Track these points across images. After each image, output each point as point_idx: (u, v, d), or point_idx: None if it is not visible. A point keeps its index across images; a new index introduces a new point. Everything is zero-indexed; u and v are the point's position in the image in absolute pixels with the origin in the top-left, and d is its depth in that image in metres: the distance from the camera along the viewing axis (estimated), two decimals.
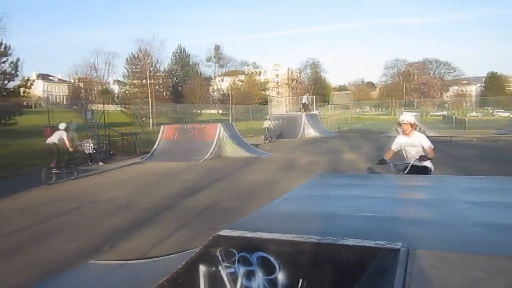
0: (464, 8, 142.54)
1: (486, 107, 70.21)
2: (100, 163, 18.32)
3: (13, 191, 12.07)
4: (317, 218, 3.16)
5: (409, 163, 6.52)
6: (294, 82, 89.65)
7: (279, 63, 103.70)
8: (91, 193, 11.83)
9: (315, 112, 40.19)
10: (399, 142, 6.82)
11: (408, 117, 6.79)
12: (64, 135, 13.71)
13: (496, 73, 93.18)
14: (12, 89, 31.26)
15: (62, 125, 14.23)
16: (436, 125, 41.30)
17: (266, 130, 30.00)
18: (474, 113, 63.82)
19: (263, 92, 74.99)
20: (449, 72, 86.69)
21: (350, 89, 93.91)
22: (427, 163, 6.41)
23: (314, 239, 2.50)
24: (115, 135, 24.04)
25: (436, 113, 64.76)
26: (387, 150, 7.05)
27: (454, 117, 49.87)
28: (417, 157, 6.44)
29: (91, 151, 18.61)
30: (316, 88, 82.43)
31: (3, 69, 29.82)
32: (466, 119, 41.59)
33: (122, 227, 7.99)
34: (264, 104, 55.85)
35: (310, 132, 32.81)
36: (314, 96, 44.63)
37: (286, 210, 3.58)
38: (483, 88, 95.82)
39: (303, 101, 37.87)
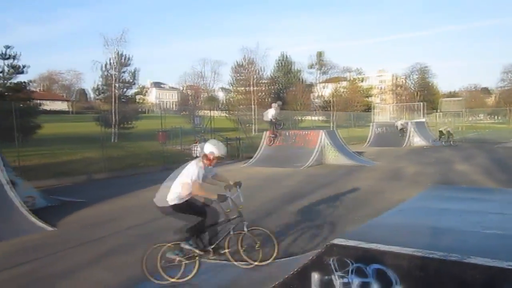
0: None
1: None
2: None
3: (132, 189, 13.16)
4: (436, 233, 2.97)
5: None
6: (399, 88, 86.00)
7: (383, 69, 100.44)
8: None
9: (422, 120, 38.13)
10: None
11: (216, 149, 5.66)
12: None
13: None
14: (130, 96, 34.22)
15: (274, 104, 19.67)
16: None
17: (401, 131, 31.04)
18: None
19: (366, 99, 73.04)
20: None
21: (462, 95, 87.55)
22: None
23: (436, 255, 2.35)
24: (220, 140, 25.04)
25: None
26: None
27: None
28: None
29: (198, 155, 19.58)
30: (423, 95, 78.21)
31: (123, 78, 32.68)
32: None
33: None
34: (367, 111, 54.33)
35: (417, 140, 31.16)
36: (422, 103, 42.35)
37: (401, 222, 3.42)
38: None
39: (399, 123, 33.33)
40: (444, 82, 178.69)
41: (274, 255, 5.54)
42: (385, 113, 43.21)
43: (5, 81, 25.18)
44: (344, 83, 73.56)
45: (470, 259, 2.27)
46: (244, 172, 17.67)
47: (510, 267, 2.16)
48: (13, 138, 15.58)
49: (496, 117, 72.74)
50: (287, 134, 21.05)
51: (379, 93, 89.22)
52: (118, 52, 31.65)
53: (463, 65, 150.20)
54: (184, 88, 68.34)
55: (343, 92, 69.25)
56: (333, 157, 19.15)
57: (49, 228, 8.45)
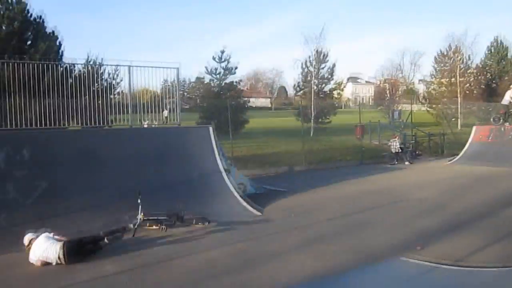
0: None
1: None
2: (406, 163, 18.38)
3: (330, 182, 13.49)
4: None
5: None
6: None
7: None
8: (401, 191, 12.00)
9: None
10: None
11: None
12: None
13: None
14: (327, 92, 35.00)
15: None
16: None
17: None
18: None
19: None
20: None
21: None
22: None
23: None
24: (421, 135, 23.67)
25: None
26: None
27: None
28: None
29: (397, 150, 18.89)
30: None
31: (321, 74, 33.61)
32: None
33: (433, 229, 7.78)
34: None
35: None
36: None
37: None
38: None
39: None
40: None
41: None
42: None
43: (221, 82, 28.56)
44: None
45: None
46: (449, 169, 16.38)
47: None
48: (228, 131, 17.55)
49: None
50: (502, 129, 18.62)
51: None
52: (317, 50, 32.64)
53: None
54: (381, 82, 66.59)
55: None
56: None
57: (257, 213, 9.26)
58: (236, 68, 28.62)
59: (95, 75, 12.99)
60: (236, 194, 9.95)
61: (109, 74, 15.32)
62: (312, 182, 13.59)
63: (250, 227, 8.28)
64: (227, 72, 28.37)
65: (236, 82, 29.77)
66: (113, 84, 16.05)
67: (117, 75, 14.33)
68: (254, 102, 66.13)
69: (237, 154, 17.12)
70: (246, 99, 33.24)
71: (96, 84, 12.77)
